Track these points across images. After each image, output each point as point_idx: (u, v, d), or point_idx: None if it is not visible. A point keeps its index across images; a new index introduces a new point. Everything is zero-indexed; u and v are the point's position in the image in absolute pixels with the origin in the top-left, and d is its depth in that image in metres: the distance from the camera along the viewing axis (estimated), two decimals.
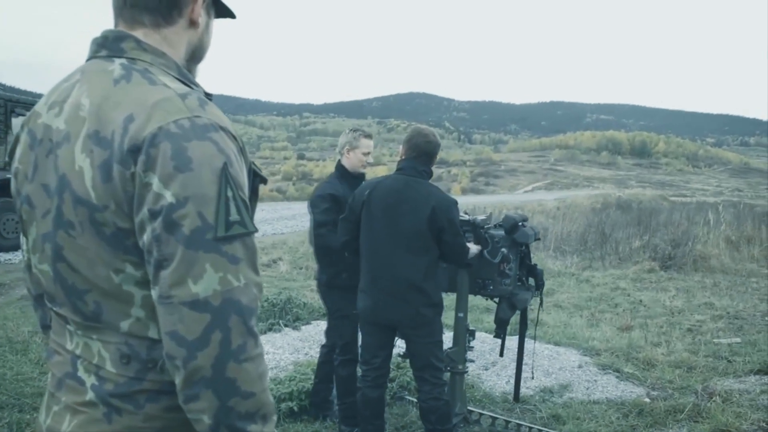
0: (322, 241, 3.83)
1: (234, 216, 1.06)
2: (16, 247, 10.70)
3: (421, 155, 3.50)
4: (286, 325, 6.42)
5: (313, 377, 4.35)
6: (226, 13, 1.38)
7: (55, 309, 1.23)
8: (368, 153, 4.01)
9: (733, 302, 8.28)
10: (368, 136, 4.05)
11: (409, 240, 3.35)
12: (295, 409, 4.24)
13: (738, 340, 6.32)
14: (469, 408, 4.25)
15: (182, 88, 1.13)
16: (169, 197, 1.02)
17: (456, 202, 3.47)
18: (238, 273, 1.06)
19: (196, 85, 1.25)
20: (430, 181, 3.54)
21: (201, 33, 1.30)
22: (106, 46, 1.19)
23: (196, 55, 1.32)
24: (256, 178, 1.25)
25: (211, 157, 1.05)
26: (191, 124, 1.06)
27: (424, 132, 3.62)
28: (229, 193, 1.06)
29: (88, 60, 1.22)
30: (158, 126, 1.04)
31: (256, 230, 1.12)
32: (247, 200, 1.11)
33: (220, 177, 1.05)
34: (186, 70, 1.26)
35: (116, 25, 1.23)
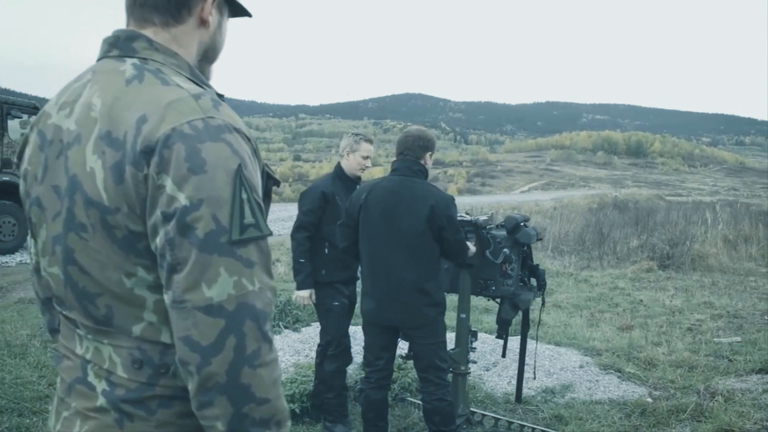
0: (294, 247, 4.04)
1: (249, 219, 1.04)
2: (13, 250, 10.65)
3: (403, 152, 3.52)
4: (285, 327, 6.40)
5: (314, 379, 4.35)
6: (240, 11, 1.35)
7: (64, 313, 1.21)
8: (367, 157, 4.11)
9: (732, 301, 8.29)
10: (369, 140, 4.15)
11: (408, 240, 3.34)
12: (297, 411, 4.23)
13: (738, 339, 6.32)
14: (471, 409, 4.24)
15: (195, 89, 1.12)
16: (182, 200, 1.00)
17: (453, 199, 3.48)
18: (253, 277, 1.04)
19: (209, 85, 1.23)
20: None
21: (213, 32, 1.28)
22: (118, 46, 1.18)
23: (208, 55, 1.30)
24: (270, 180, 1.23)
25: (226, 159, 1.03)
26: (205, 125, 1.04)
27: (405, 130, 3.69)
28: (244, 196, 1.04)
29: (99, 60, 1.20)
30: (172, 127, 1.02)
31: (271, 233, 1.10)
32: (262, 203, 1.09)
33: (234, 179, 1.03)
34: (198, 70, 1.24)
35: (128, 24, 1.21)
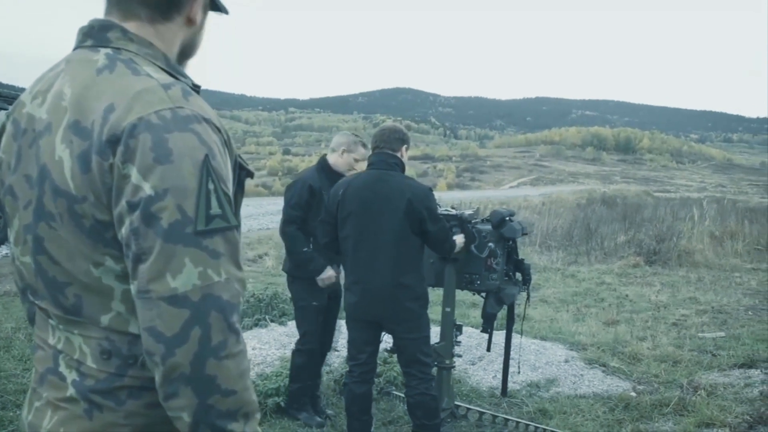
0: (289, 242, 4.01)
1: (215, 209, 1.03)
2: None
3: (379, 145, 3.53)
4: (272, 321, 6.39)
5: None
6: (218, 7, 1.35)
7: (37, 302, 1.20)
8: (359, 161, 4.09)
9: (717, 297, 8.36)
10: (365, 146, 4.16)
11: (387, 235, 3.34)
12: (282, 404, 4.23)
13: (722, 334, 6.38)
14: (456, 403, 4.26)
15: (166, 79, 1.11)
16: (147, 189, 0.99)
17: (431, 190, 3.48)
18: (219, 268, 1.03)
19: (184, 76, 1.23)
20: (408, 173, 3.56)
21: (195, 31, 1.28)
22: (92, 36, 1.17)
23: (186, 51, 1.30)
24: (243, 172, 1.22)
25: (193, 149, 1.03)
26: (173, 115, 1.04)
27: (380, 125, 3.73)
28: (211, 186, 1.03)
29: (74, 49, 1.19)
30: (138, 117, 1.02)
31: (239, 224, 1.09)
32: (230, 194, 1.09)
33: (201, 169, 1.02)
34: (175, 62, 1.24)
35: (107, 14, 1.20)
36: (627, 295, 8.45)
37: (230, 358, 1.03)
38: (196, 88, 1.22)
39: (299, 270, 4.02)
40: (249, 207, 21.13)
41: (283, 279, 8.73)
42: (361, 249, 3.40)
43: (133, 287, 1.03)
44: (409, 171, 3.61)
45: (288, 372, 4.40)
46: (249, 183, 1.29)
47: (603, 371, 5.31)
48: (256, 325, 6.24)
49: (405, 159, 3.58)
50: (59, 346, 1.16)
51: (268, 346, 5.64)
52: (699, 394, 4.53)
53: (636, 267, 10.58)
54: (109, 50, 1.14)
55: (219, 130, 1.11)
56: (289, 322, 6.42)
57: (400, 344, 3.49)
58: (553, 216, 16.00)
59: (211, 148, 1.05)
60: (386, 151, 3.49)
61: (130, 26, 1.18)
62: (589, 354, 5.69)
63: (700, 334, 6.39)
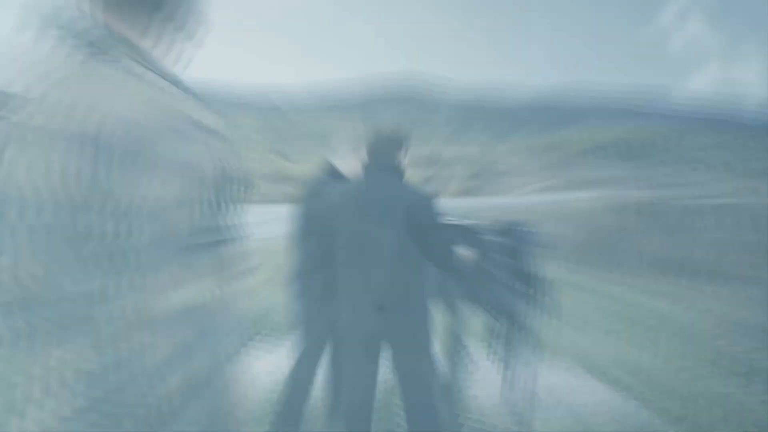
0: None
1: (214, 221, 1.08)
2: None
3: (377, 149, 3.53)
4: (266, 337, 6.42)
5: None
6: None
7: (22, 317, 1.21)
8: (361, 164, 4.13)
9: (752, 312, 8.34)
10: (366, 148, 4.18)
11: (386, 245, 3.33)
12: (273, 427, 4.22)
13: (754, 353, 6.37)
14: (460, 423, 4.25)
15: (167, 85, 1.14)
16: (149, 199, 1.02)
17: (434, 197, 3.45)
18: (218, 281, 1.08)
19: (181, 81, 1.26)
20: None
21: (183, 38, 1.34)
22: (86, 39, 1.18)
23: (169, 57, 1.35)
24: (242, 181, 1.25)
25: (195, 157, 1.06)
26: (175, 122, 1.06)
27: (377, 127, 3.73)
28: (211, 197, 1.07)
29: (67, 53, 1.20)
30: (139, 123, 1.04)
31: (239, 236, 1.14)
32: (231, 204, 1.12)
33: (203, 179, 1.06)
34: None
35: (105, 19, 1.22)
36: (655, 312, 8.43)
37: (230, 374, 1.10)
38: (192, 92, 1.25)
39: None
40: (245, 215, 21.23)
41: (278, 292, 8.76)
42: (357, 261, 3.39)
43: (129, 301, 1.05)
44: (411, 175, 3.60)
45: (280, 393, 4.39)
46: (245, 190, 1.32)
47: (623, 395, 5.28)
48: (248, 341, 6.25)
49: (405, 163, 3.57)
50: (47, 365, 1.16)
51: (261, 364, 5.65)
52: (724, 417, 4.52)
53: (658, 281, 10.57)
54: (104, 54, 1.16)
55: (222, 138, 1.15)
56: (285, 340, 6.43)
57: (400, 363, 3.48)
58: (572, 225, 16.00)
59: (213, 157, 1.09)
60: (385, 155, 3.48)
61: (124, 30, 1.20)
62: (609, 376, 5.67)
63: (735, 352, 6.36)
